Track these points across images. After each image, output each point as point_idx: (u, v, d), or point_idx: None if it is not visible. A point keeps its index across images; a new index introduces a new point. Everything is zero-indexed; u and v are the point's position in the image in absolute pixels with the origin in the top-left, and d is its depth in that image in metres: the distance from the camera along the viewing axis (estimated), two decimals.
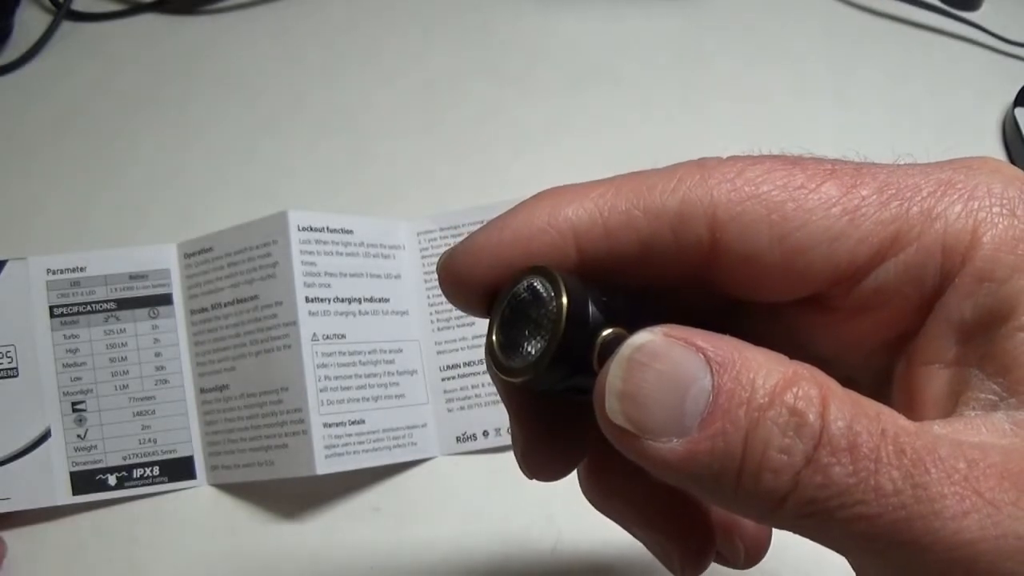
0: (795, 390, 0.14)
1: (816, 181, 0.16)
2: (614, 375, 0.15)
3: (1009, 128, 0.48)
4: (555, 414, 0.20)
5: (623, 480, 0.21)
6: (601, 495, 0.22)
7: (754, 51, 0.51)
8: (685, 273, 0.18)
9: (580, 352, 0.16)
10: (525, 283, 0.17)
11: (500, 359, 0.17)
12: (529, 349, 0.16)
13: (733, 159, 0.17)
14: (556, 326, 0.16)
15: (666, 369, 0.15)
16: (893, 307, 0.17)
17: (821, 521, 0.14)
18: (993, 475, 0.14)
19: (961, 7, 0.53)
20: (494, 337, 0.17)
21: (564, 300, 0.16)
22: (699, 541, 0.21)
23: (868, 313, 0.17)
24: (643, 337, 0.15)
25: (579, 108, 0.48)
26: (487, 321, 0.18)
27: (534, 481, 0.37)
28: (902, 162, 0.18)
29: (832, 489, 0.14)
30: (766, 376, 0.14)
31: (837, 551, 0.15)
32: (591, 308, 0.16)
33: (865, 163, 0.17)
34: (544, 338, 0.16)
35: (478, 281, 0.18)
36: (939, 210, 0.16)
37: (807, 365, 0.15)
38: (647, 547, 0.22)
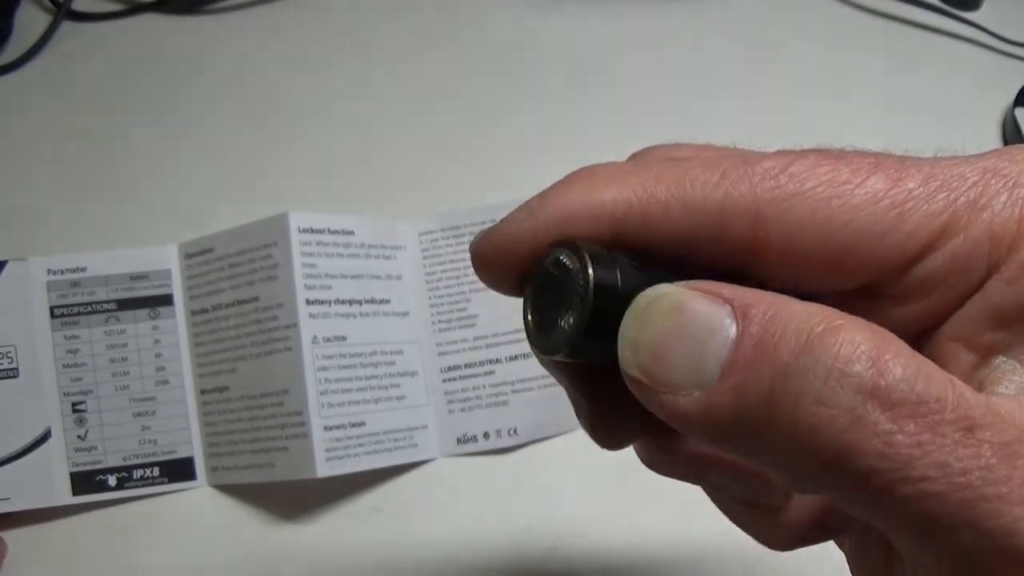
0: (840, 336, 0.13)
1: (861, 175, 0.16)
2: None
3: (1009, 128, 0.49)
4: (611, 384, 0.19)
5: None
6: (662, 455, 0.21)
7: (754, 51, 0.51)
8: (725, 264, 0.17)
9: (613, 320, 0.16)
10: (552, 258, 0.17)
11: (536, 338, 0.17)
12: (563, 324, 0.16)
13: (777, 154, 0.17)
14: (585, 297, 0.16)
15: (684, 319, 0.14)
16: (937, 295, 0.17)
17: (877, 494, 0.13)
18: None
19: (961, 7, 0.53)
20: (529, 317, 0.17)
21: (590, 271, 0.16)
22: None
23: (912, 301, 0.17)
24: (661, 288, 0.15)
25: (580, 107, 0.48)
26: (506, 311, 0.18)
27: (536, 480, 0.37)
28: (943, 155, 0.17)
29: (894, 460, 0.13)
30: (802, 322, 0.13)
31: (884, 528, 0.14)
32: (619, 275, 0.16)
33: (908, 156, 0.17)
34: (575, 311, 0.16)
35: (511, 264, 0.18)
36: (985, 199, 0.16)
37: (863, 320, 0.14)
38: (738, 491, 0.21)
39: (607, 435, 0.20)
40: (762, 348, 0.13)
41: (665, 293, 0.15)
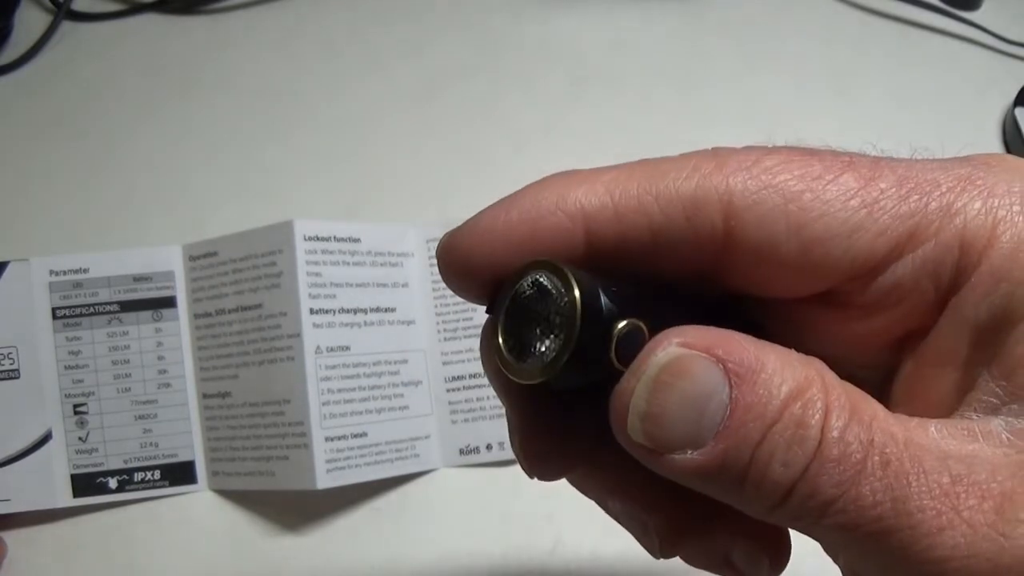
0: (804, 399, 0.14)
1: (834, 172, 0.16)
2: (639, 396, 0.15)
3: (1009, 128, 0.48)
4: (555, 410, 0.19)
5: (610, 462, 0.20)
6: (581, 478, 0.21)
7: (754, 51, 0.51)
8: (696, 264, 0.17)
9: (597, 348, 0.15)
10: (530, 279, 0.16)
11: (510, 361, 0.16)
12: (542, 349, 0.15)
13: (748, 148, 0.17)
14: (571, 324, 0.15)
15: (688, 387, 0.15)
16: (907, 304, 0.16)
17: (810, 524, 0.15)
18: (975, 493, 0.14)
19: (961, 7, 0.52)
20: (500, 339, 0.16)
21: (576, 294, 0.15)
22: (679, 514, 0.20)
23: (882, 310, 0.17)
24: (667, 354, 0.15)
25: (585, 108, 0.47)
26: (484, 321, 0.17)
27: (537, 491, 0.37)
28: (919, 156, 0.17)
29: (818, 498, 0.14)
30: (780, 384, 0.14)
31: (831, 555, 0.16)
32: (603, 300, 0.15)
33: (883, 157, 0.17)
34: (559, 337, 0.15)
35: (481, 265, 0.17)
36: (958, 206, 0.16)
37: (817, 363, 0.15)
38: (622, 521, 0.21)
39: (540, 463, 0.19)
40: (752, 415, 0.14)
41: (672, 359, 0.15)
